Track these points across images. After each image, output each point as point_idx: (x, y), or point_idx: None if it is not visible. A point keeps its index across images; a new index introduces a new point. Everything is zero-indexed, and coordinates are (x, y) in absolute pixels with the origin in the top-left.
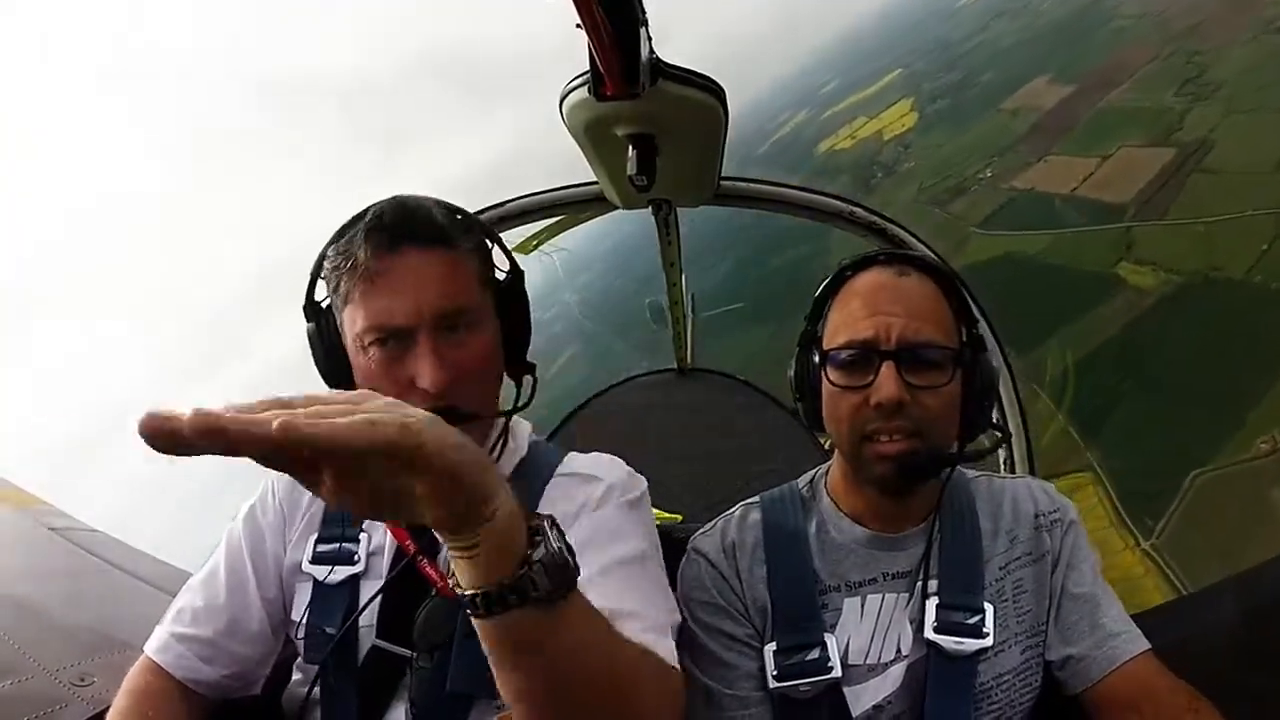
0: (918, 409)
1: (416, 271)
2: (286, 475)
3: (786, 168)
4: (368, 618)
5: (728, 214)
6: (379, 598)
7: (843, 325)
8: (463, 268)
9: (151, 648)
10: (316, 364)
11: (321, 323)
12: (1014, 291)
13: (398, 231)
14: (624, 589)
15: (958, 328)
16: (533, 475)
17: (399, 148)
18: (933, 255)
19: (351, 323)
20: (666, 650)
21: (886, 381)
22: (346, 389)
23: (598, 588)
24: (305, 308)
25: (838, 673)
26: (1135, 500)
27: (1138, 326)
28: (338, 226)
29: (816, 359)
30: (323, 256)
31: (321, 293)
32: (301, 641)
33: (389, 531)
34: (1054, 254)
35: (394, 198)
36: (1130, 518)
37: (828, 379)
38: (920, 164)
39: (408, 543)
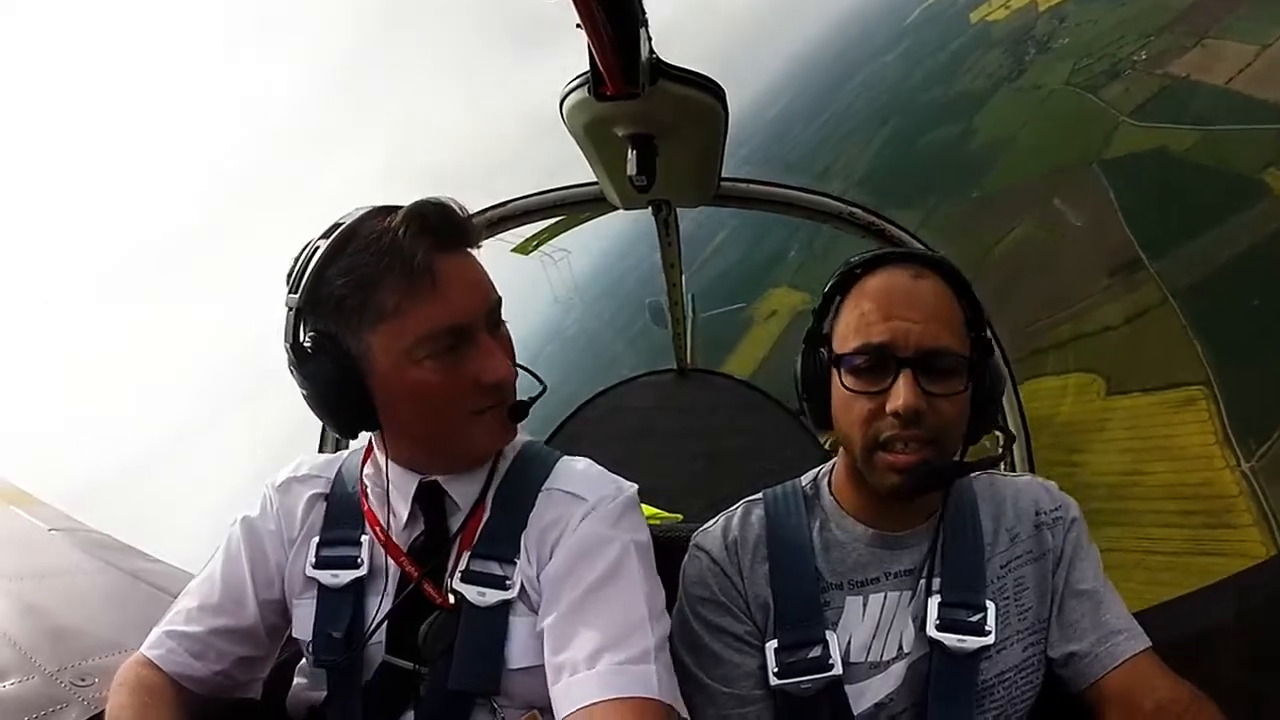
0: (933, 417)
1: (470, 269)
2: (282, 484)
3: (936, 39)
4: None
5: (885, 83)
6: (386, 619)
7: (857, 328)
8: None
9: (145, 645)
10: (328, 403)
11: (322, 356)
12: (1159, 188)
13: (448, 232)
14: (599, 619)
15: (969, 331)
16: (522, 487)
17: (527, 49)
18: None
19: (396, 337)
20: (644, 682)
21: (904, 390)
22: (369, 419)
23: (575, 630)
24: (293, 347)
25: (838, 670)
26: (1243, 420)
27: (1275, 240)
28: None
29: (825, 357)
30: (323, 282)
31: (311, 327)
32: (308, 644)
33: (387, 555)
34: (1201, 152)
35: (417, 201)
36: (1235, 437)
37: (840, 382)
38: (1074, 40)
39: (411, 570)
